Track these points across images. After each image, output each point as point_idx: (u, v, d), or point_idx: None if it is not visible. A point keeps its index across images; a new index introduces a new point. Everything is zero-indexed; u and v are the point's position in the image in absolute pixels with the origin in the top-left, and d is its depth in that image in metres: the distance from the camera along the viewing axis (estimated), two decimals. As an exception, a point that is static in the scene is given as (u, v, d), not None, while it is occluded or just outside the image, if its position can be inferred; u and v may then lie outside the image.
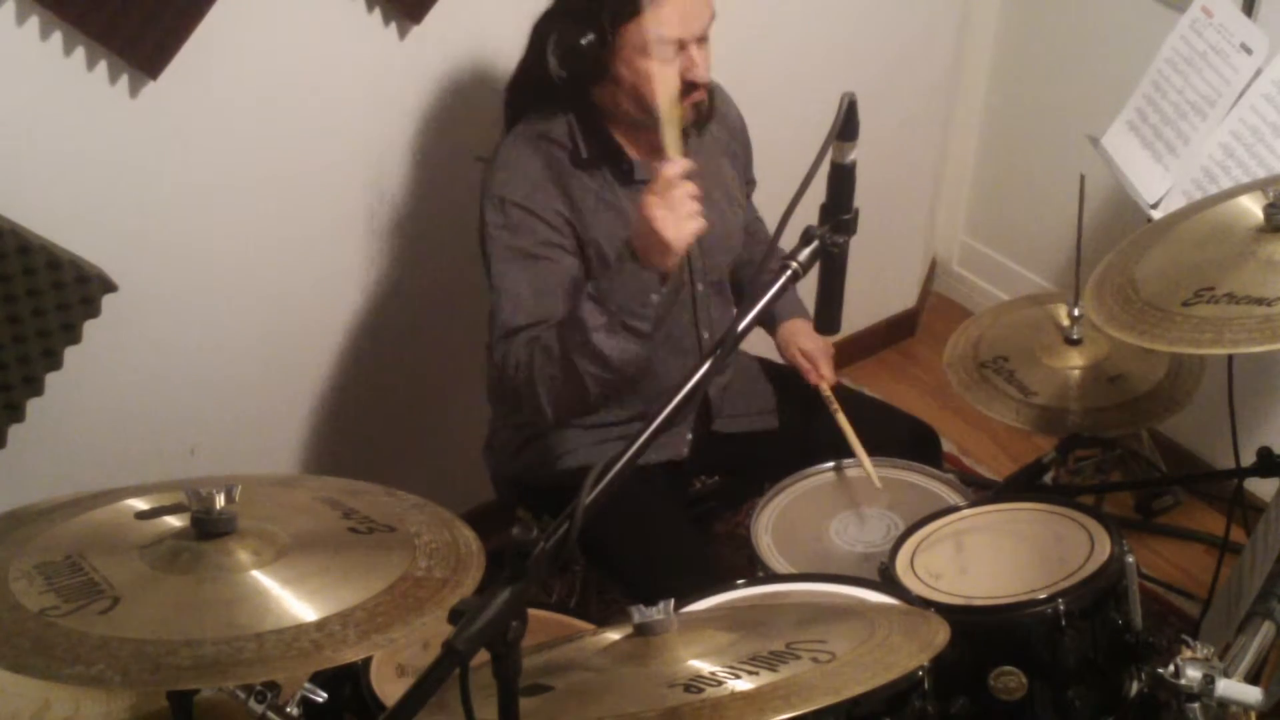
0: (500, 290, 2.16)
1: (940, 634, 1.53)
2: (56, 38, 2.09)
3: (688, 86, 2.10)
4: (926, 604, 1.82)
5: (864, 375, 3.58)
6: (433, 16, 2.41)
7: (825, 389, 2.40)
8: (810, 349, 2.45)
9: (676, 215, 1.96)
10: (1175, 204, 2.46)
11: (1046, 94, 3.36)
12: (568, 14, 2.10)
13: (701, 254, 2.32)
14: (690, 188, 1.97)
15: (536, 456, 2.38)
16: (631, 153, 2.21)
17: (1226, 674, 1.63)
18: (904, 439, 2.46)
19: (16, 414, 2.28)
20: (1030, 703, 1.80)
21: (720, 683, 1.39)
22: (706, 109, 2.19)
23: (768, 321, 2.48)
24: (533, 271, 2.15)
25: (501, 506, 2.53)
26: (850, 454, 2.32)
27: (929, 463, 2.33)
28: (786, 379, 2.49)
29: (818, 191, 1.58)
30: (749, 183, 2.49)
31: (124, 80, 2.17)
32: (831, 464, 2.32)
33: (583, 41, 2.06)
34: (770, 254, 1.65)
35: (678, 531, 2.34)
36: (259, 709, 1.58)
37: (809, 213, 1.57)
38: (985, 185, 3.67)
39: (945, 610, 1.76)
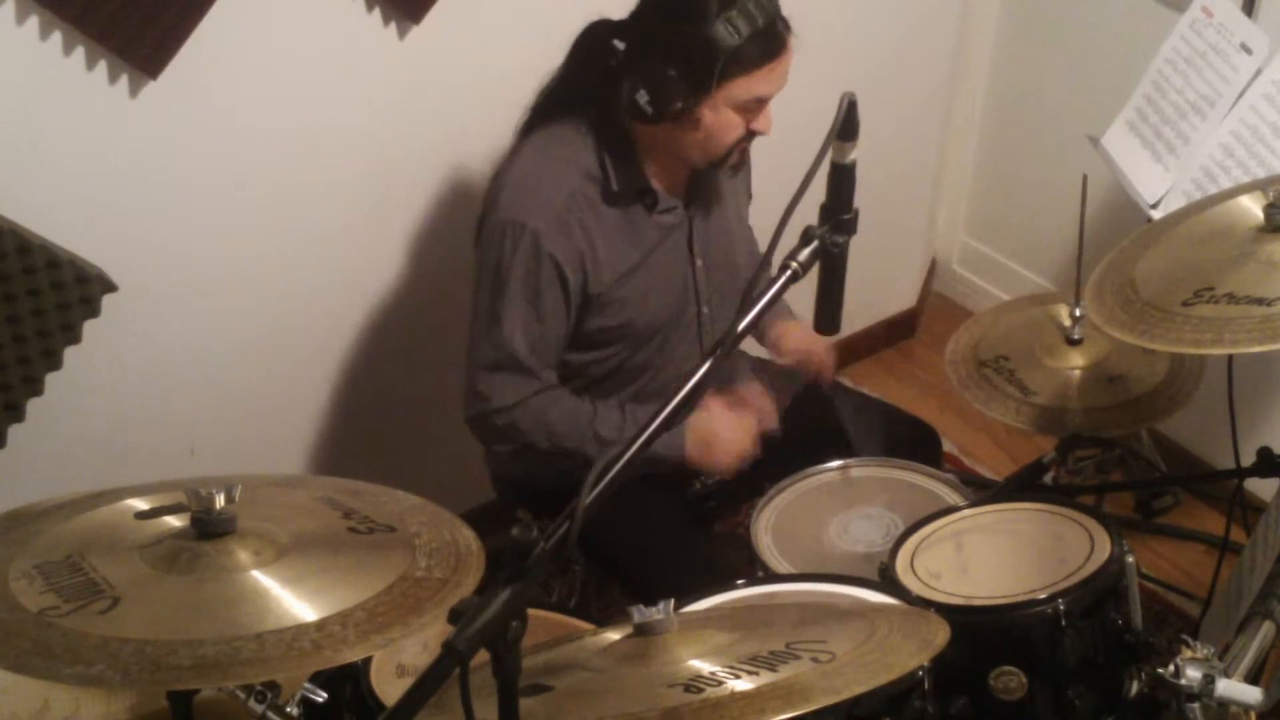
0: (502, 321, 2.16)
1: (940, 634, 1.53)
2: (56, 38, 2.09)
3: (749, 135, 2.14)
4: (926, 604, 1.82)
5: (864, 375, 3.58)
6: (433, 16, 2.41)
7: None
8: (808, 341, 2.43)
9: (727, 459, 2.24)
10: (1175, 204, 2.46)
11: (1046, 94, 3.36)
12: (667, 49, 2.04)
13: (708, 277, 2.32)
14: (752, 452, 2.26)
15: (537, 462, 2.38)
16: (656, 184, 2.22)
17: (1226, 674, 1.63)
18: (904, 439, 2.46)
19: (16, 414, 2.28)
20: (1030, 703, 1.80)
21: (720, 683, 1.39)
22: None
23: (758, 329, 2.48)
24: (539, 316, 2.17)
25: (501, 506, 2.53)
26: (856, 454, 2.32)
27: (929, 463, 2.33)
28: (785, 379, 2.49)
29: (818, 191, 1.58)
30: (747, 195, 2.49)
31: (124, 80, 2.17)
32: (832, 464, 2.32)
33: (678, 81, 2.03)
34: (768, 255, 1.65)
35: (678, 531, 2.34)
36: (259, 709, 1.58)
37: (809, 213, 1.57)
38: (985, 185, 3.67)
39: (945, 610, 1.76)
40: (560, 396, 2.24)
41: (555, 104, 2.20)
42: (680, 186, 2.25)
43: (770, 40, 2.05)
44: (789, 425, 2.43)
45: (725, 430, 2.25)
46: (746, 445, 2.26)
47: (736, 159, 2.19)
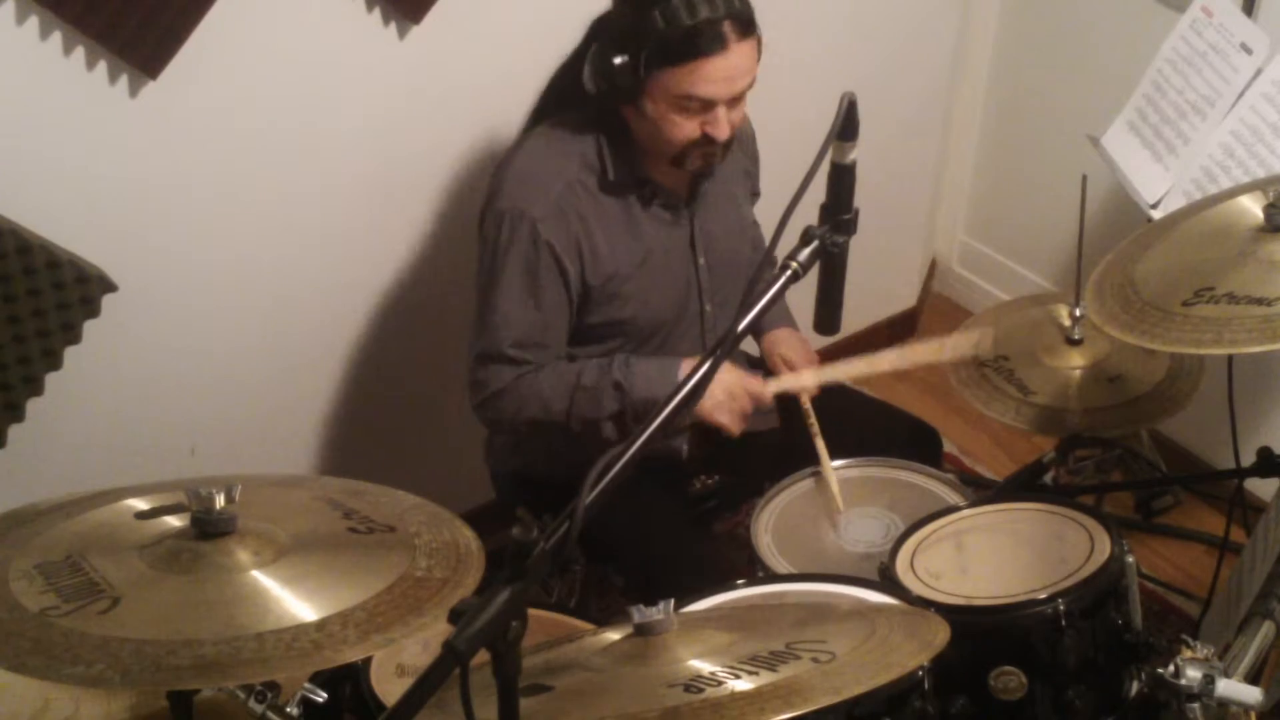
0: (498, 309, 2.16)
1: (940, 634, 1.53)
2: (56, 38, 2.09)
3: (704, 139, 2.09)
4: (926, 604, 1.82)
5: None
6: (433, 16, 2.41)
7: (805, 400, 2.38)
8: (793, 358, 2.44)
9: (742, 415, 2.22)
10: (1175, 204, 2.46)
11: (1046, 94, 3.36)
12: (617, 30, 2.06)
13: (710, 275, 2.32)
14: (767, 402, 2.25)
15: (536, 453, 2.38)
16: (655, 176, 2.21)
17: (1226, 674, 1.63)
18: (904, 439, 2.45)
19: (16, 414, 2.28)
20: (1030, 703, 1.80)
21: (720, 683, 1.39)
22: (719, 160, 2.17)
23: (755, 330, 2.47)
24: (536, 304, 2.17)
25: (501, 506, 2.53)
26: (856, 454, 2.32)
27: (929, 463, 2.32)
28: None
29: (818, 191, 1.58)
30: (754, 194, 2.49)
31: (124, 80, 2.17)
32: (832, 464, 2.31)
33: (616, 62, 2.03)
34: (769, 254, 1.65)
35: (677, 531, 2.34)
36: (259, 709, 1.58)
37: (809, 213, 1.57)
38: (985, 185, 3.67)
39: (945, 610, 1.76)
40: (550, 367, 2.23)
41: (560, 97, 2.21)
42: (683, 184, 2.25)
43: (706, 37, 1.99)
44: (788, 425, 2.43)
45: (735, 379, 2.23)
46: (748, 398, 2.24)
47: (697, 164, 2.15)
